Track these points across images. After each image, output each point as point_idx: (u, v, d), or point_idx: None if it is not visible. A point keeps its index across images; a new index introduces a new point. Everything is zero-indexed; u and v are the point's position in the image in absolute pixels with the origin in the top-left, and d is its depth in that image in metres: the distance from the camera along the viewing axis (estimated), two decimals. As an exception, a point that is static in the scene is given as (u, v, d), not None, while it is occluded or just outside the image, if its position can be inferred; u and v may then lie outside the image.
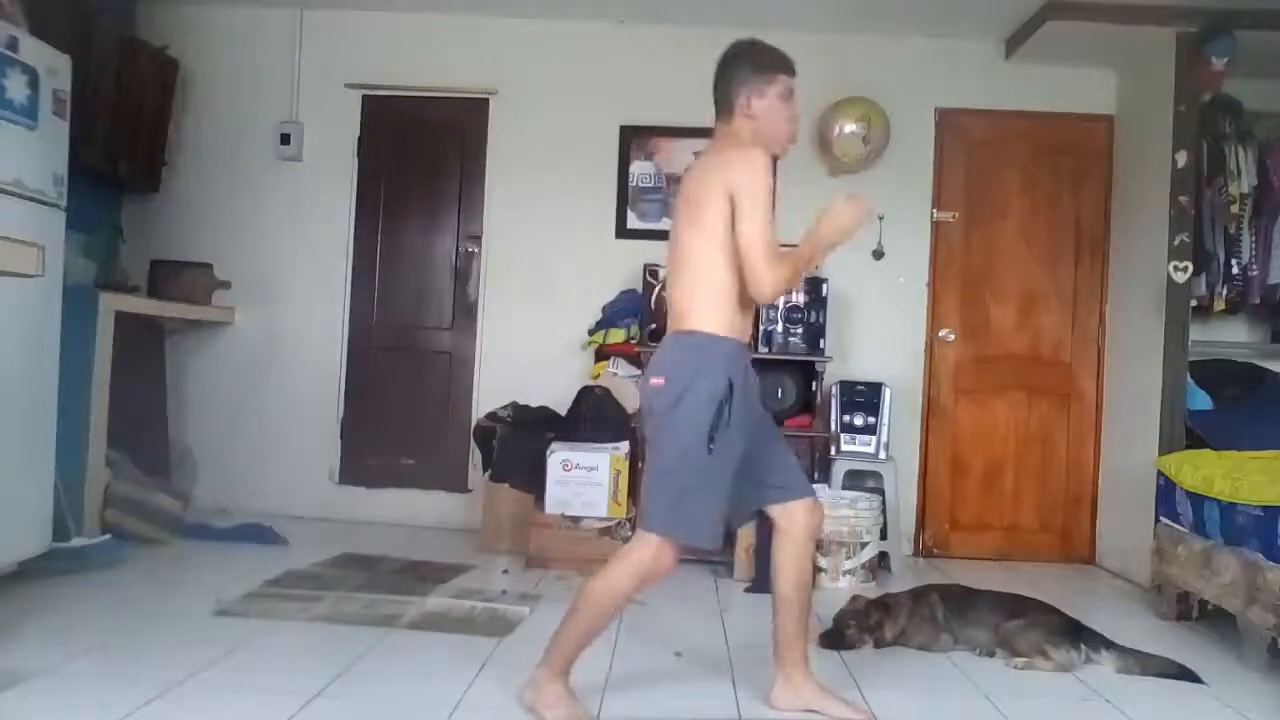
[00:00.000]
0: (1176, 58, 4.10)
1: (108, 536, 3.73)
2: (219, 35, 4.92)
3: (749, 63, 2.37)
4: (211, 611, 3.07)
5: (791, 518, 2.40)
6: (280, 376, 4.86)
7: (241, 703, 2.33)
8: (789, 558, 2.41)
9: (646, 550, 2.25)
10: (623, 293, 4.69)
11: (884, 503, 4.20)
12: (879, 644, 3.04)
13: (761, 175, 2.21)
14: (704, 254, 2.26)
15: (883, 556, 4.16)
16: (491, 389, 4.77)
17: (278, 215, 4.90)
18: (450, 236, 4.96)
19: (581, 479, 4.07)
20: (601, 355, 4.62)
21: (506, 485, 4.28)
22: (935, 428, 4.81)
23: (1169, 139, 4.08)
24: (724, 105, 2.40)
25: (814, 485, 4.11)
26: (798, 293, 4.40)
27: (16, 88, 3.09)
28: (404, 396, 4.91)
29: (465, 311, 4.94)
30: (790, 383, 4.41)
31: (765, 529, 3.90)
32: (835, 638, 3.04)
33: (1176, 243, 4.03)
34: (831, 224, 2.28)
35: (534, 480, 4.16)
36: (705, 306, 2.27)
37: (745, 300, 2.28)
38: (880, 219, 4.74)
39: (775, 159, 2.33)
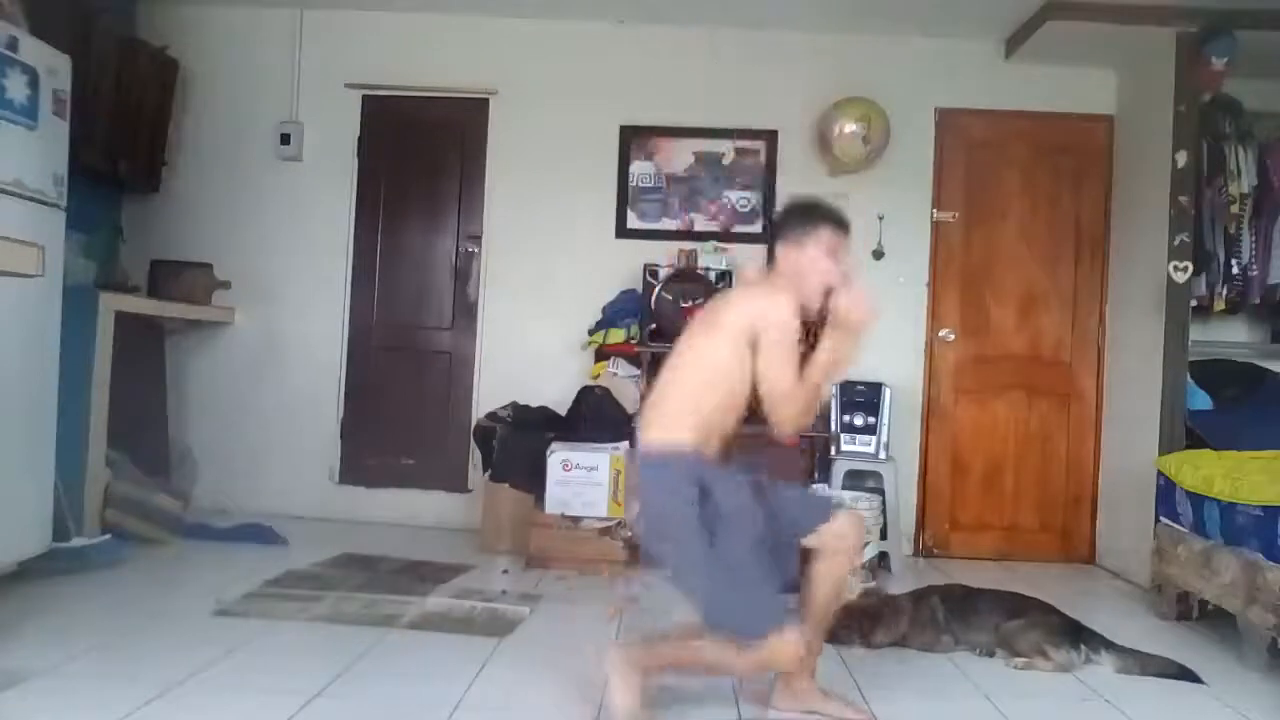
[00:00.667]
0: (1176, 58, 4.10)
1: (108, 536, 3.73)
2: (219, 35, 4.92)
3: (797, 215, 2.43)
4: (211, 611, 3.07)
5: (824, 542, 2.39)
6: (280, 376, 4.86)
7: (241, 703, 2.33)
8: (824, 573, 2.41)
9: (731, 652, 2.21)
10: (623, 293, 4.70)
11: (884, 503, 4.20)
12: (870, 646, 3.04)
13: (786, 320, 2.26)
14: (696, 370, 2.31)
15: (883, 556, 4.16)
16: (491, 389, 4.78)
17: (278, 215, 4.90)
18: (450, 236, 4.96)
19: (581, 479, 4.07)
20: (601, 355, 4.63)
21: (506, 485, 4.28)
22: (935, 428, 4.81)
23: (1169, 139, 4.08)
24: (772, 251, 2.45)
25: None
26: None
27: (16, 88, 3.09)
28: (404, 396, 4.91)
29: (465, 311, 4.94)
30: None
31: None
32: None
33: (1176, 243, 4.03)
34: (838, 338, 2.29)
35: (534, 480, 4.16)
36: (673, 418, 2.28)
37: (722, 423, 2.30)
38: (880, 219, 4.75)
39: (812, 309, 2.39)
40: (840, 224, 2.41)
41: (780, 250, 2.41)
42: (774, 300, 2.30)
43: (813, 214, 2.41)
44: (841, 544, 2.38)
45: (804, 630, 2.44)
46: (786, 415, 2.25)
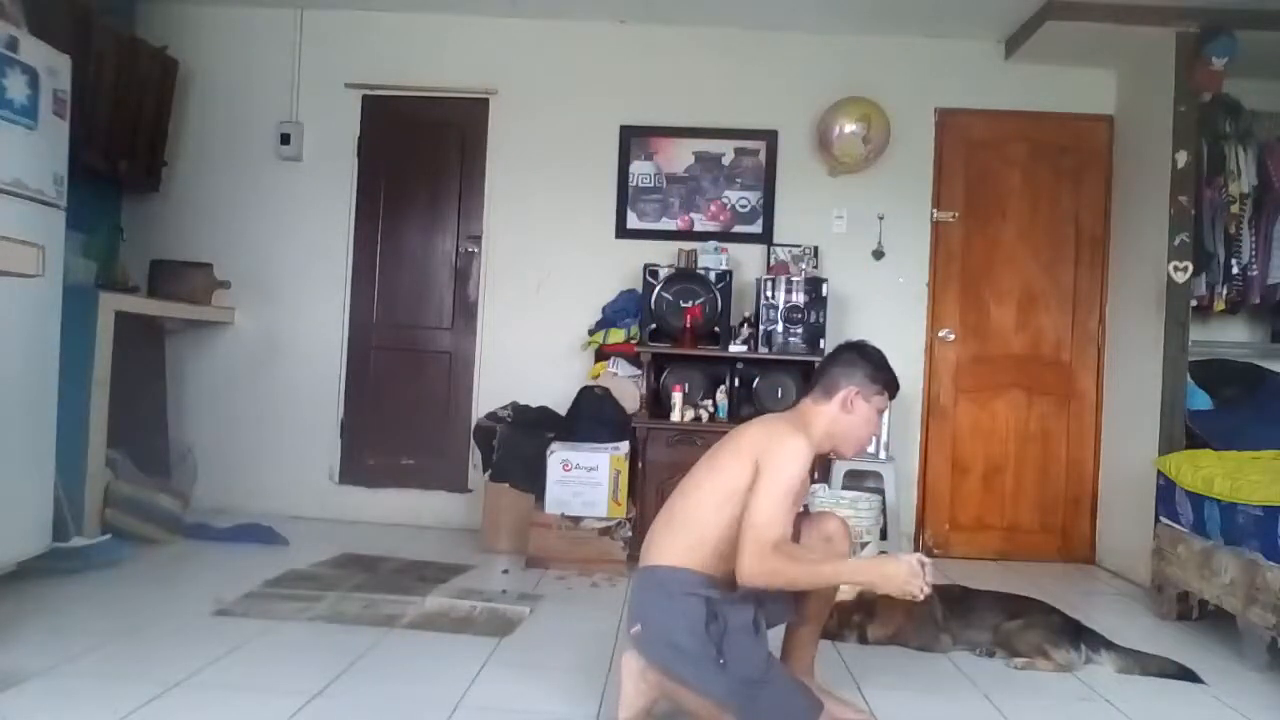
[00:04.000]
0: (1176, 58, 4.10)
1: (108, 536, 3.73)
2: (219, 35, 4.92)
3: (870, 366, 2.32)
4: (211, 611, 3.07)
5: (824, 527, 2.37)
6: (280, 376, 4.86)
7: (241, 703, 2.33)
8: None
9: None
10: (623, 293, 4.70)
11: (884, 503, 4.20)
12: (864, 641, 3.05)
13: (799, 465, 2.14)
14: (708, 493, 2.19)
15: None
16: (491, 389, 4.78)
17: (278, 215, 4.90)
18: (450, 236, 4.96)
19: (581, 479, 4.07)
20: (601, 355, 4.63)
21: (506, 485, 4.28)
22: (935, 428, 4.81)
23: (1169, 139, 4.09)
24: (824, 387, 2.32)
25: (814, 485, 4.16)
26: (797, 292, 4.40)
27: (16, 88, 3.09)
28: (404, 396, 4.91)
29: (465, 311, 4.94)
30: (790, 383, 4.40)
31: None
32: None
33: (1176, 243, 4.04)
34: (884, 575, 2.09)
35: (534, 480, 4.16)
36: (680, 543, 2.18)
37: (729, 559, 2.12)
38: (880, 219, 4.75)
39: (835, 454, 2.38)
40: (897, 386, 2.36)
41: (843, 393, 2.27)
42: (794, 440, 2.17)
43: (888, 375, 2.32)
44: (830, 549, 2.34)
45: (800, 634, 2.45)
46: (751, 564, 2.04)
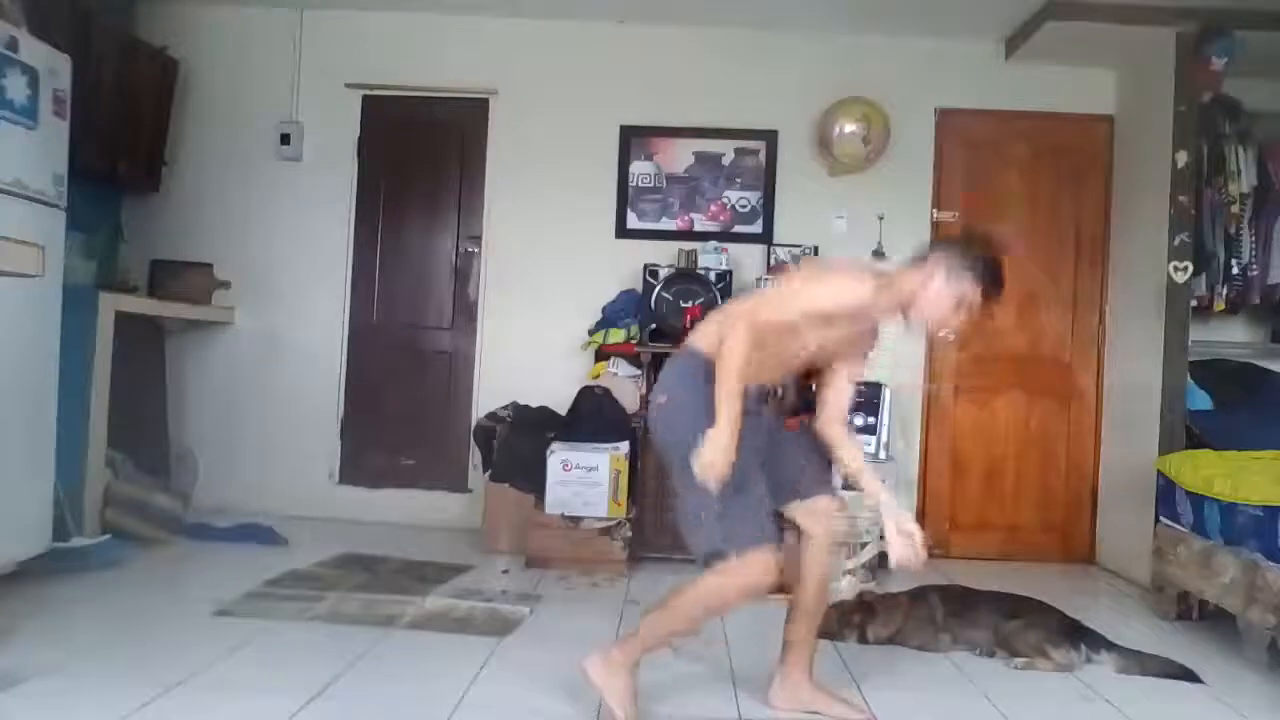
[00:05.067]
0: (1176, 58, 4.10)
1: (108, 536, 3.73)
2: (219, 35, 4.92)
3: (970, 247, 2.30)
4: (211, 611, 3.07)
5: (814, 516, 2.43)
6: (280, 376, 4.86)
7: (241, 703, 2.33)
8: (814, 565, 2.44)
9: (713, 576, 2.21)
10: (623, 293, 4.69)
11: (884, 503, 4.19)
12: (864, 641, 3.05)
13: (829, 291, 2.27)
14: (759, 300, 2.35)
15: (883, 557, 4.12)
16: (491, 389, 4.77)
17: (278, 215, 4.90)
18: (450, 236, 4.96)
19: (581, 479, 4.06)
20: (601, 355, 4.62)
21: (506, 485, 4.28)
22: (935, 427, 4.81)
23: (1169, 139, 4.09)
24: (922, 254, 2.34)
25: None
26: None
27: (16, 88, 3.09)
28: (404, 396, 4.91)
29: (465, 311, 4.94)
30: (790, 382, 4.39)
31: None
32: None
33: (1176, 243, 4.04)
34: (712, 439, 2.15)
35: (534, 480, 4.16)
36: (714, 338, 2.27)
37: (763, 362, 2.25)
38: (880, 219, 4.75)
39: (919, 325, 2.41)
40: (991, 283, 2.27)
41: (930, 262, 2.28)
42: (847, 278, 2.29)
43: (975, 258, 2.25)
44: (818, 527, 2.43)
45: (796, 629, 2.47)
46: (720, 331, 2.24)
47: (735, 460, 2.15)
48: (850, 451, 2.48)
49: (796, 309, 2.25)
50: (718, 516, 2.20)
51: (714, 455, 2.12)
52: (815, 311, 2.25)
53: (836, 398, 2.47)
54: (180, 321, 4.76)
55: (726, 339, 2.19)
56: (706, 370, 2.22)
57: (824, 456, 2.50)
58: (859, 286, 2.25)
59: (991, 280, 2.26)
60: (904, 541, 2.31)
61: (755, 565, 2.18)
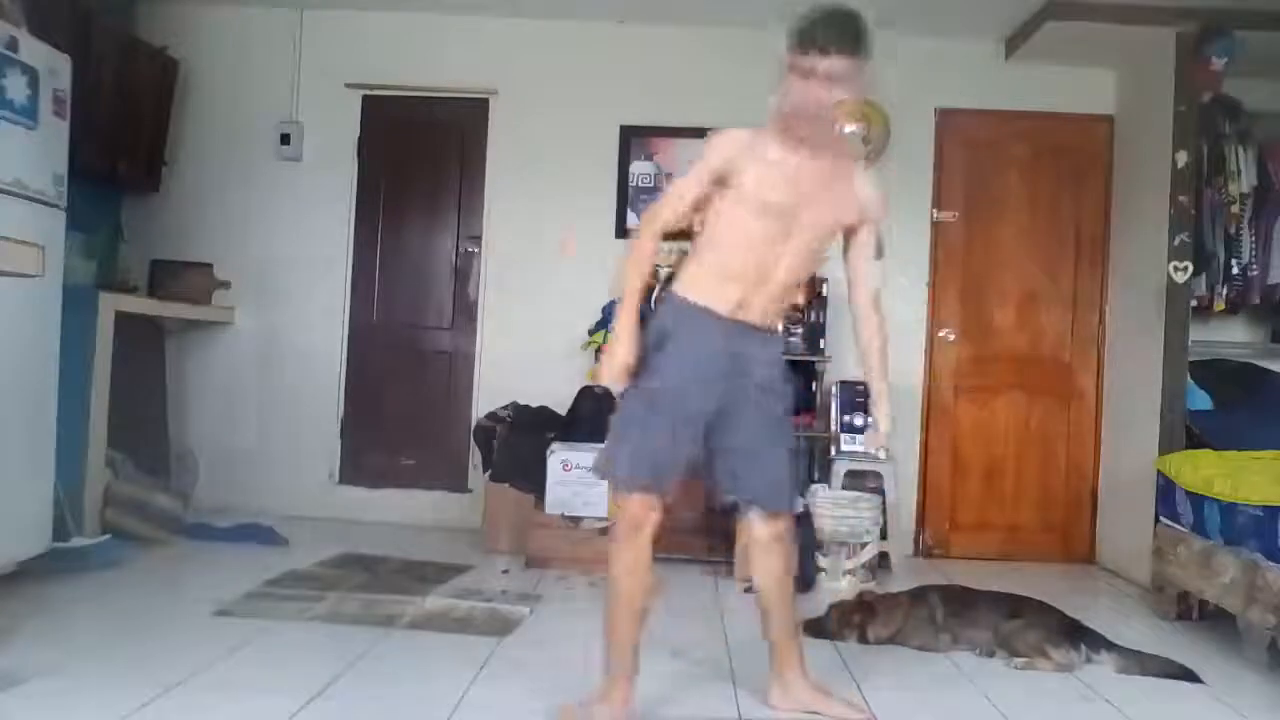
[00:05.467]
0: (1176, 58, 4.10)
1: (108, 536, 3.73)
2: (219, 35, 4.92)
3: (793, 31, 2.16)
4: (211, 611, 3.07)
5: (755, 526, 2.36)
6: (280, 376, 4.86)
7: (241, 703, 2.33)
8: (760, 570, 2.40)
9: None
10: (623, 293, 4.69)
11: (884, 503, 4.20)
12: (864, 641, 3.05)
13: (706, 152, 2.26)
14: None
15: (883, 556, 4.16)
16: (491, 389, 4.77)
17: (278, 215, 4.90)
18: (450, 236, 4.96)
19: (581, 479, 4.06)
20: (602, 355, 4.62)
21: (506, 485, 4.28)
22: (935, 427, 4.81)
23: (1169, 139, 4.08)
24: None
25: (814, 485, 4.16)
26: (798, 292, 4.39)
27: (16, 88, 3.09)
28: (404, 396, 4.91)
29: (465, 311, 4.94)
30: (790, 382, 4.39)
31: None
32: (816, 625, 3.10)
33: (1176, 243, 4.03)
34: (609, 350, 2.23)
35: (534, 480, 4.16)
36: (685, 272, 2.30)
37: (733, 272, 2.22)
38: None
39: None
40: (824, 38, 2.08)
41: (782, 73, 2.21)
42: (720, 132, 2.29)
43: (806, 29, 2.12)
44: (760, 538, 2.34)
45: (768, 630, 2.41)
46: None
47: (656, 380, 2.16)
48: (867, 331, 2.41)
49: (694, 182, 2.25)
50: (615, 433, 2.22)
51: (606, 358, 2.18)
52: (709, 173, 2.23)
53: (855, 276, 2.40)
54: (180, 321, 4.76)
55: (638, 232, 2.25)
56: (665, 301, 2.29)
57: (791, 452, 2.37)
58: (733, 132, 2.26)
59: (809, 31, 2.12)
60: (874, 436, 2.40)
61: (625, 511, 2.19)
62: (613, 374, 2.18)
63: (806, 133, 2.20)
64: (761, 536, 2.36)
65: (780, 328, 2.32)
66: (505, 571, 3.93)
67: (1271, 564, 2.89)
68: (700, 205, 2.26)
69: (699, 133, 4.89)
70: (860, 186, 2.33)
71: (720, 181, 2.22)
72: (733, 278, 2.22)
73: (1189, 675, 2.85)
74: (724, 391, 2.23)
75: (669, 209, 2.26)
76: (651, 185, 4.85)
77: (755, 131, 2.25)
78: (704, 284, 2.24)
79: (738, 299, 2.22)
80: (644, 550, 2.23)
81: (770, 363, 2.32)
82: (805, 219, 2.22)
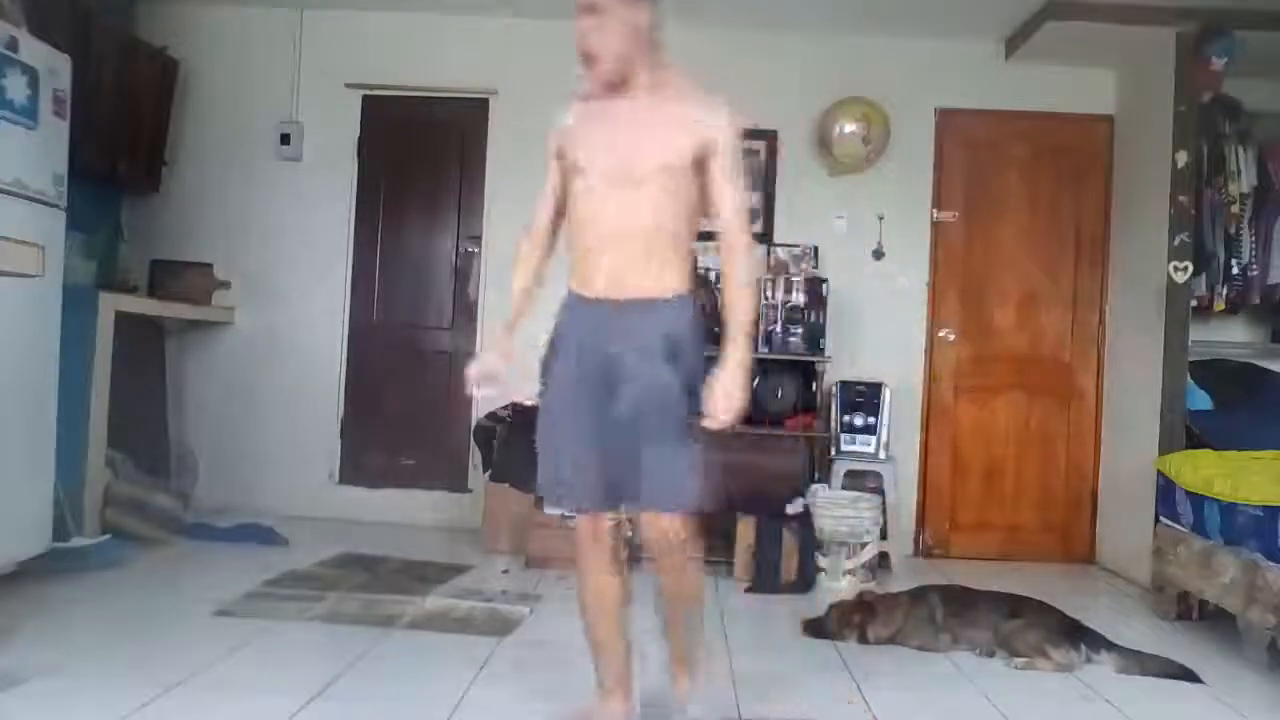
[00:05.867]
0: (1176, 58, 4.10)
1: (108, 536, 3.73)
2: (219, 35, 4.91)
3: None
4: (211, 611, 3.07)
5: (651, 531, 2.07)
6: (280, 376, 4.86)
7: (241, 703, 2.34)
8: (665, 588, 2.18)
9: None
10: (623, 293, 4.68)
11: (884, 503, 4.20)
12: (864, 641, 3.05)
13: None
14: None
15: (883, 556, 4.16)
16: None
17: (278, 215, 4.90)
18: (450, 236, 4.96)
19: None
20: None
21: (506, 485, 4.28)
22: (935, 427, 4.80)
23: (1169, 139, 4.08)
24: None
25: (815, 485, 4.16)
26: (797, 292, 4.40)
27: (16, 88, 3.09)
28: (404, 396, 4.91)
29: (465, 311, 4.93)
30: (790, 383, 4.40)
31: (764, 528, 3.92)
32: (815, 626, 3.10)
33: (1176, 243, 4.03)
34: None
35: (534, 480, 4.14)
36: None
37: (588, 246, 2.10)
38: (880, 219, 4.75)
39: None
40: None
41: None
42: None
43: None
44: (647, 539, 2.07)
45: (673, 663, 2.24)
46: None
47: (546, 387, 2.14)
48: (726, 262, 2.07)
49: (547, 177, 2.24)
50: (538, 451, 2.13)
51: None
52: (550, 166, 2.22)
53: (714, 202, 2.07)
54: (180, 321, 4.76)
55: None
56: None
57: (679, 437, 2.00)
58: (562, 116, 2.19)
59: None
60: (723, 403, 1.96)
61: (578, 524, 2.12)
62: (467, 378, 2.15)
63: (587, 74, 2.09)
64: (647, 539, 2.07)
65: (676, 292, 2.04)
66: (505, 571, 3.93)
67: (1271, 564, 2.89)
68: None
69: (699, 133, 4.93)
70: (693, 113, 2.12)
71: (568, 170, 2.16)
72: (590, 253, 2.10)
73: (1189, 675, 2.85)
74: (609, 379, 2.04)
75: (536, 208, 2.26)
76: (651, 185, 4.84)
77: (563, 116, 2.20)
78: (574, 271, 2.16)
79: (603, 275, 2.07)
80: (601, 560, 2.14)
81: (655, 328, 2.03)
82: (626, 166, 2.03)
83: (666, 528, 2.04)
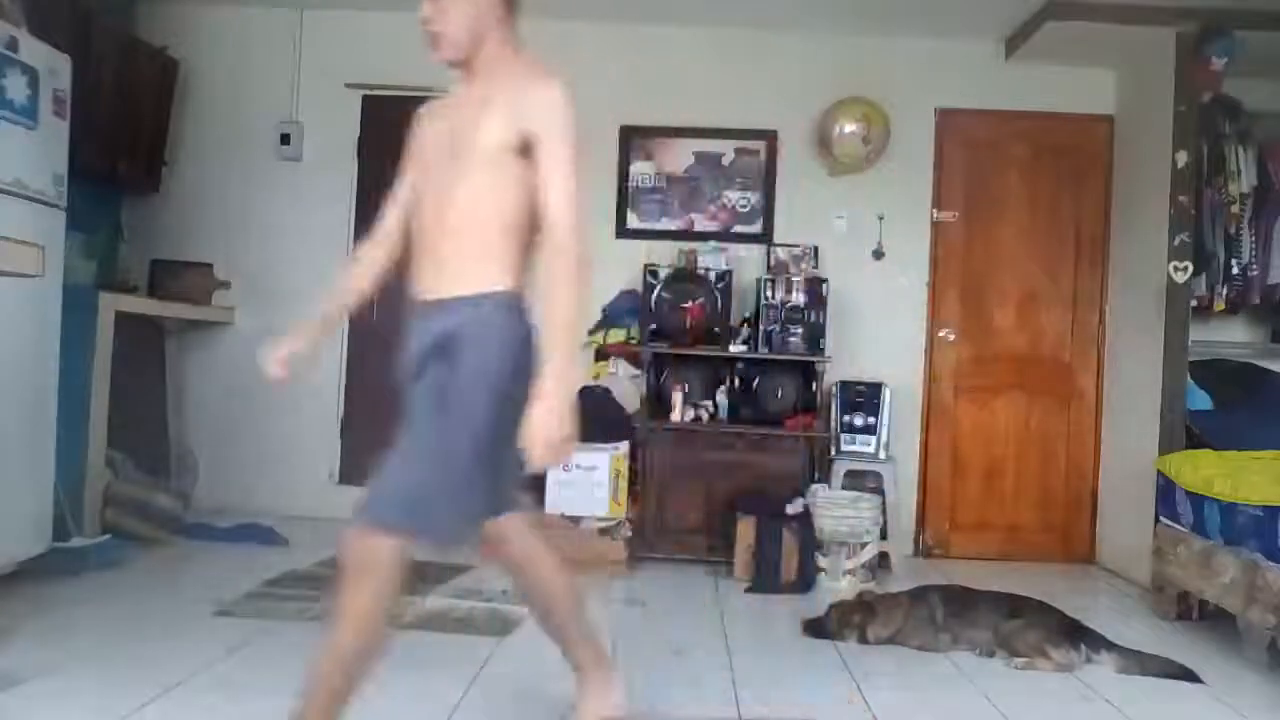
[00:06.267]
0: (1176, 58, 4.10)
1: (108, 536, 3.72)
2: (219, 35, 4.91)
3: None
4: (211, 611, 3.07)
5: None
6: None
7: (241, 703, 2.34)
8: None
9: None
10: (623, 293, 4.69)
11: (884, 503, 4.20)
12: (864, 641, 3.05)
13: None
14: None
15: (883, 556, 4.16)
16: (491, 389, 4.76)
17: (278, 215, 4.90)
18: (450, 236, 4.95)
19: (581, 479, 4.07)
20: (601, 355, 4.62)
21: (506, 485, 4.27)
22: (935, 427, 4.80)
23: (1169, 139, 4.09)
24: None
25: (815, 485, 4.16)
26: (797, 292, 4.40)
27: (16, 88, 3.09)
28: (404, 396, 4.90)
29: (465, 311, 4.92)
30: (790, 383, 4.41)
31: (764, 528, 3.92)
32: (815, 626, 3.11)
33: (1176, 243, 4.04)
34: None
35: (534, 480, 4.16)
36: None
37: (416, 246, 2.04)
38: (880, 219, 4.75)
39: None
40: None
41: None
42: None
43: None
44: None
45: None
46: None
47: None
48: (546, 255, 1.89)
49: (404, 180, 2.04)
50: None
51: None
52: (408, 167, 2.05)
53: (542, 190, 1.94)
54: (180, 321, 4.76)
55: None
56: None
57: (433, 458, 1.92)
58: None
59: None
60: (539, 436, 1.74)
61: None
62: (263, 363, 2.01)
63: (437, 59, 2.00)
64: (339, 555, 1.92)
65: (484, 290, 1.90)
66: (505, 571, 3.92)
67: (1271, 564, 2.89)
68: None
69: (699, 133, 4.98)
70: (516, 94, 1.96)
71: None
72: (416, 252, 2.01)
73: (1189, 675, 2.85)
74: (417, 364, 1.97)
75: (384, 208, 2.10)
76: (651, 185, 4.85)
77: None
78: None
79: (427, 274, 1.98)
80: (515, 561, 2.09)
81: (436, 328, 1.97)
82: (445, 157, 1.94)
83: (357, 545, 1.86)
